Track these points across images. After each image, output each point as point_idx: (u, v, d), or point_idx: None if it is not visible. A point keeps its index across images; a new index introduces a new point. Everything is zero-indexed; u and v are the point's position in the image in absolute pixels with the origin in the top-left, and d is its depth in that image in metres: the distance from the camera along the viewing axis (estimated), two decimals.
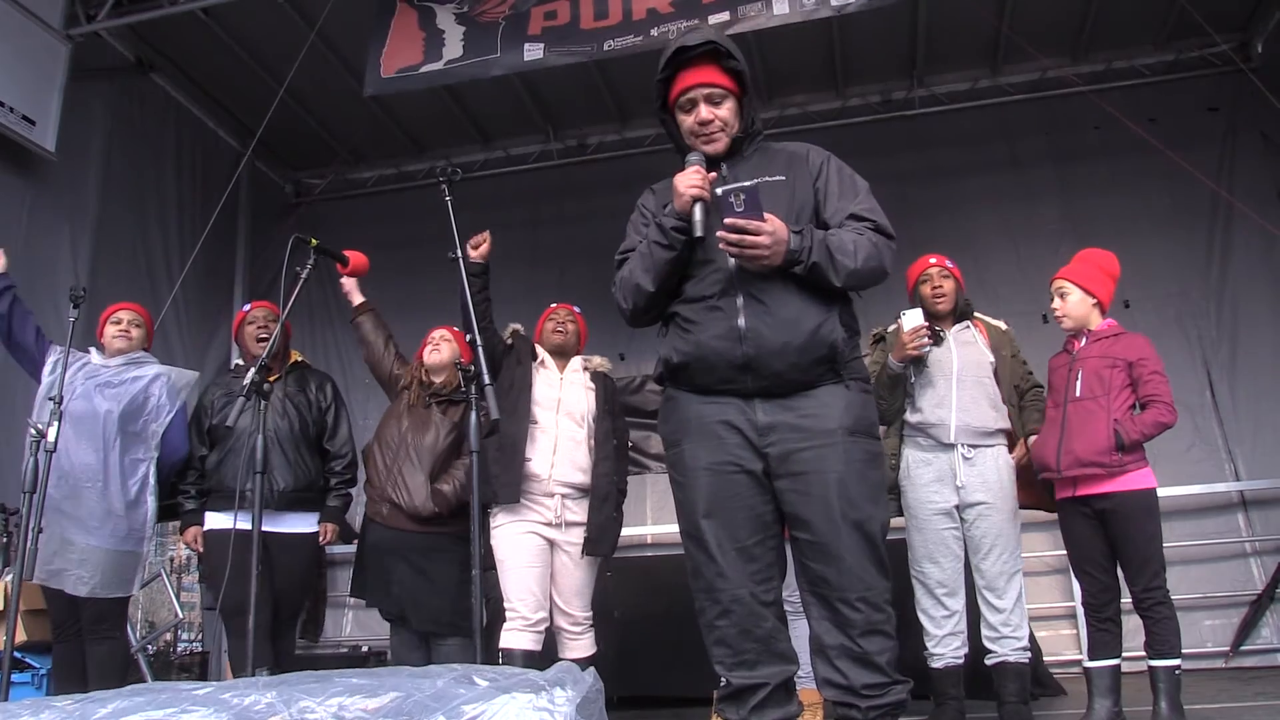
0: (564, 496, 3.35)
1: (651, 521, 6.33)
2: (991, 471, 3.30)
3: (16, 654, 3.58)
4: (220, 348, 6.63)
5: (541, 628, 3.29)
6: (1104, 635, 3.17)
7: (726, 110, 2.25)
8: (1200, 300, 5.95)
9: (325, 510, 3.67)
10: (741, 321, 2.12)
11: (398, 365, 3.83)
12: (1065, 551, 3.37)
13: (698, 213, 2.11)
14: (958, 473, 3.30)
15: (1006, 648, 3.23)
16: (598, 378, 3.60)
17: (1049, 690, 4.38)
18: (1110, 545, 3.15)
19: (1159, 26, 6.14)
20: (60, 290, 4.97)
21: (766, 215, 2.05)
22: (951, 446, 3.31)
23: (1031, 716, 3.27)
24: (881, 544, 2.12)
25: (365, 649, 5.82)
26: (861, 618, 2.06)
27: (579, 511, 3.37)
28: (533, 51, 4.97)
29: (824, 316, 2.14)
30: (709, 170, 2.20)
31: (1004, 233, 6.32)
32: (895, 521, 2.91)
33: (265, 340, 3.63)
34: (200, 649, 6.08)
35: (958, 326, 3.47)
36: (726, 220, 2.05)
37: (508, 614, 3.26)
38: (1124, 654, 3.17)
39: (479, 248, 3.37)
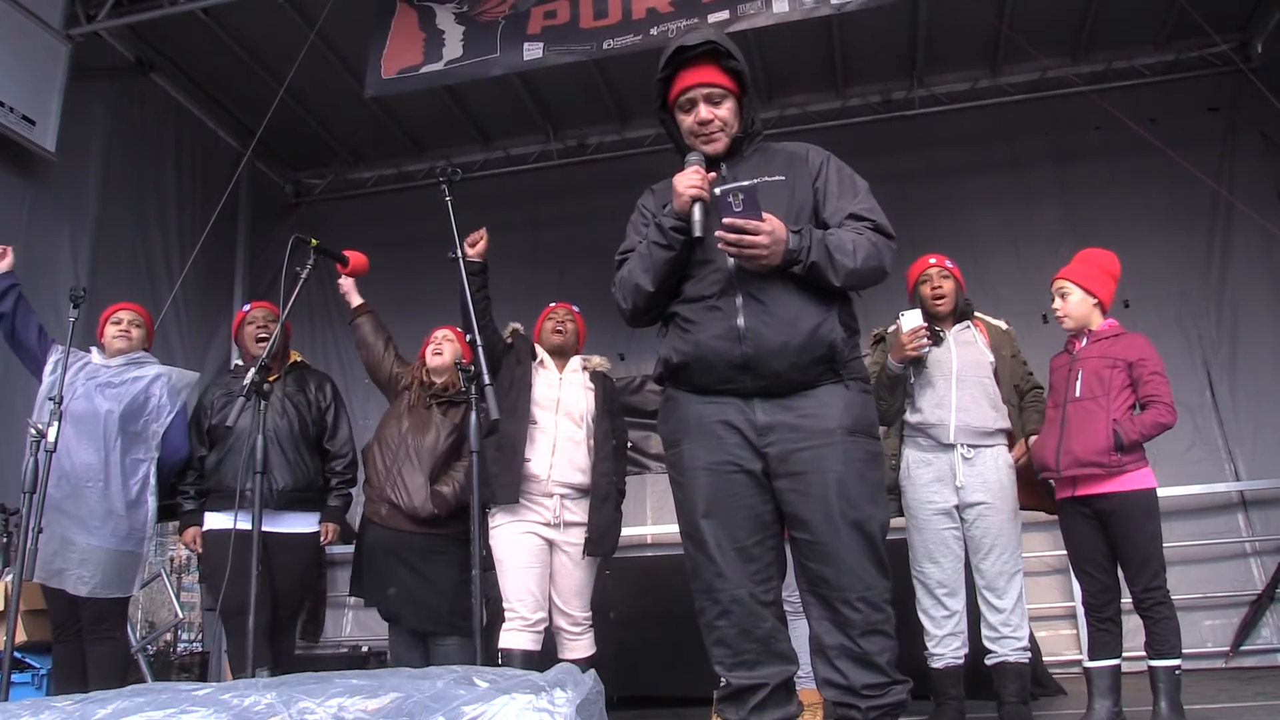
0: (563, 497, 3.35)
1: (651, 521, 6.33)
2: (991, 471, 3.30)
3: (16, 654, 3.58)
4: (220, 348, 6.63)
5: (540, 628, 3.29)
6: (1104, 635, 3.17)
7: (726, 110, 2.25)
8: (1200, 300, 5.96)
9: (326, 510, 3.67)
10: (741, 321, 2.12)
11: (397, 366, 3.82)
12: (1065, 551, 3.37)
13: (697, 213, 2.11)
14: (957, 473, 3.30)
15: (1006, 648, 3.23)
16: (597, 377, 3.59)
17: (1049, 690, 4.38)
18: (1110, 545, 3.15)
19: (1159, 26, 6.14)
20: (60, 290, 4.97)
21: (765, 215, 2.05)
22: (951, 447, 3.31)
23: (1031, 716, 3.27)
24: (881, 544, 2.12)
25: (365, 649, 5.81)
26: (861, 618, 2.06)
27: (578, 512, 3.37)
28: (532, 51, 4.97)
29: (823, 316, 2.14)
30: (709, 170, 2.20)
31: (1004, 233, 6.32)
32: (895, 521, 2.91)
33: (265, 340, 3.63)
34: (200, 649, 6.08)
35: (958, 326, 3.47)
36: (725, 220, 2.05)
37: (507, 614, 3.26)
38: (1124, 654, 3.17)
39: (476, 245, 3.36)
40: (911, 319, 3.30)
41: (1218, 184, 5.78)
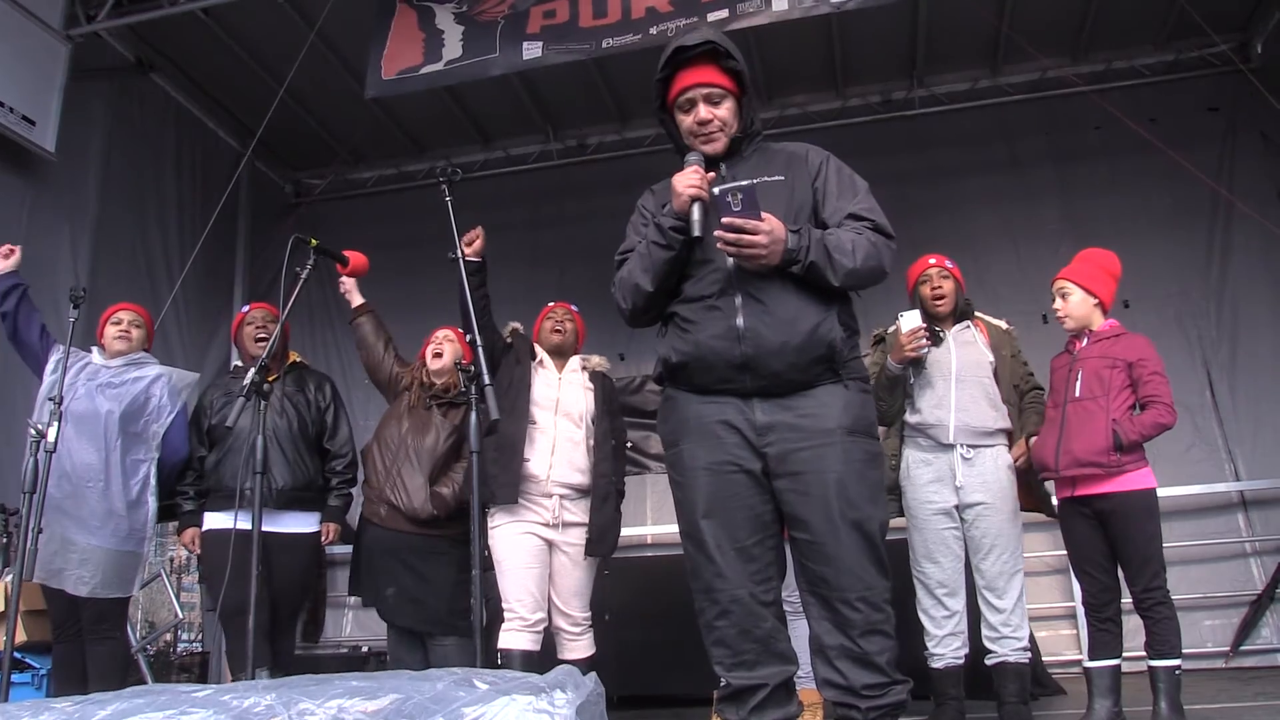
0: (562, 497, 3.35)
1: (651, 521, 6.33)
2: (991, 471, 3.30)
3: (16, 654, 3.58)
4: (220, 348, 6.63)
5: (540, 628, 3.29)
6: (1104, 635, 3.17)
7: (725, 110, 2.25)
8: (1200, 300, 5.96)
9: (327, 510, 3.67)
10: (740, 321, 2.12)
11: (397, 367, 3.82)
12: (1065, 551, 3.36)
13: (696, 212, 2.11)
14: (957, 473, 3.30)
15: (1007, 648, 3.23)
16: (596, 377, 3.59)
17: (1049, 690, 4.38)
18: (1110, 545, 3.15)
19: (1159, 26, 6.14)
20: (60, 290, 4.96)
21: (764, 214, 2.05)
22: (951, 447, 3.31)
23: (1031, 717, 3.27)
24: (881, 544, 2.12)
25: (365, 649, 5.81)
26: (861, 618, 2.05)
27: (577, 512, 3.37)
28: (531, 50, 4.97)
29: (822, 316, 2.13)
30: (708, 170, 2.20)
31: (1004, 233, 6.32)
32: (895, 521, 2.91)
33: (264, 341, 3.63)
34: (200, 649, 6.08)
35: (958, 326, 3.47)
36: (724, 220, 2.05)
37: (506, 615, 3.26)
38: (1124, 654, 3.17)
39: (473, 244, 3.35)
40: (911, 319, 3.30)
41: (1218, 184, 5.78)
